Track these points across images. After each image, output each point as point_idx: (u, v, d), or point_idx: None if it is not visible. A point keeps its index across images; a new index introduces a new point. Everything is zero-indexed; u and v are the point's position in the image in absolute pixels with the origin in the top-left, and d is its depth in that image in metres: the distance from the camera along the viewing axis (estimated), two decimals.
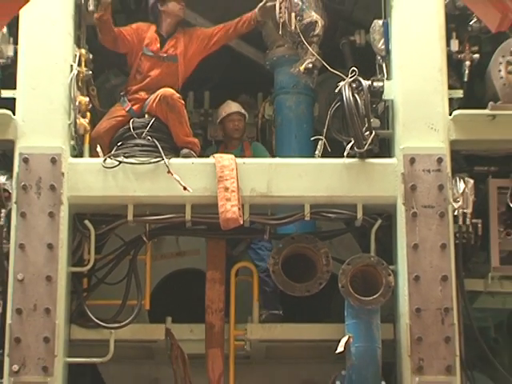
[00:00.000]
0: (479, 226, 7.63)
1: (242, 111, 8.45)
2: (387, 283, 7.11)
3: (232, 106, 8.46)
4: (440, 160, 7.52)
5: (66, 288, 7.48)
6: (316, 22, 8.09)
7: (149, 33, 8.29)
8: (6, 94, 7.72)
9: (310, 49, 8.05)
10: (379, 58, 8.04)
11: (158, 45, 8.24)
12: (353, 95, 7.62)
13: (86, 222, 7.69)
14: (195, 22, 8.67)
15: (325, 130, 7.85)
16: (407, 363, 7.28)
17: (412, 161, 7.54)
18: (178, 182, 7.45)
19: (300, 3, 8.08)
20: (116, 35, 8.12)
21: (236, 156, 7.92)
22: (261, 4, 8.14)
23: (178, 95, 8.03)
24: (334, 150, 7.82)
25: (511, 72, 7.70)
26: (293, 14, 8.00)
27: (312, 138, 8.06)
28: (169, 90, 7.99)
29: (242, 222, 7.48)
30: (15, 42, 7.80)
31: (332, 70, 7.97)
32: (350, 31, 8.56)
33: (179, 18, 8.35)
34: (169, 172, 7.50)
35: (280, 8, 7.97)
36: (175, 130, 7.97)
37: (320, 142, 7.88)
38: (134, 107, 8.10)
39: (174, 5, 8.26)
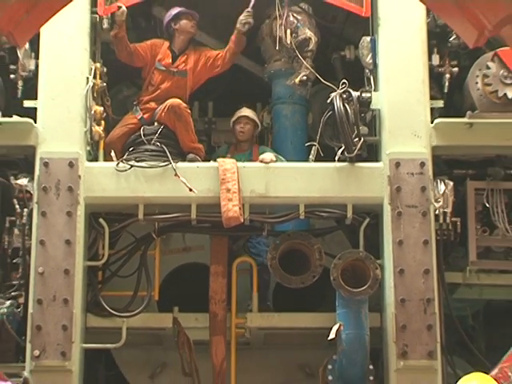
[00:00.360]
0: (458, 223, 7.66)
1: (251, 116, 8.29)
2: (375, 276, 7.11)
3: (242, 111, 8.33)
4: (422, 164, 7.54)
5: (83, 280, 7.51)
6: (310, 38, 8.09)
7: (162, 48, 8.25)
8: (28, 103, 7.74)
9: (305, 63, 8.06)
10: (367, 71, 8.02)
11: (170, 60, 8.20)
12: (343, 105, 7.63)
13: (101, 220, 7.70)
14: (199, 38, 8.65)
15: (318, 137, 7.86)
16: (393, 349, 7.30)
17: (397, 165, 7.55)
18: (184, 184, 7.44)
19: (295, 21, 8.07)
20: (131, 51, 8.09)
21: (245, 159, 7.97)
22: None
23: (184, 105, 8.02)
24: (326, 155, 7.84)
25: (487, 84, 7.74)
26: (288, 31, 8.01)
27: (306, 144, 8.05)
28: (176, 101, 7.97)
29: (242, 221, 7.49)
30: (36, 57, 7.83)
31: (324, 82, 8.00)
32: (341, 47, 8.53)
33: (191, 35, 8.31)
34: (176, 175, 7.50)
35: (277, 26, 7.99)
36: (182, 136, 7.97)
37: (313, 148, 7.89)
38: (145, 116, 8.08)
39: (186, 23, 8.22)
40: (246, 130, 8.23)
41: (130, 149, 7.89)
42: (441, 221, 7.56)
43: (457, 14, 6.53)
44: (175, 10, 8.24)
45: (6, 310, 7.38)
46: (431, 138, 7.66)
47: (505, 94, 7.67)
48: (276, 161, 7.85)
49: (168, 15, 8.26)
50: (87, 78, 7.81)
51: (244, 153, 8.23)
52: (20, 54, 7.73)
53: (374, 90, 7.86)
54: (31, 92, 7.81)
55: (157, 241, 7.96)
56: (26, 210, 7.53)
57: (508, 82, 7.68)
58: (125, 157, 7.76)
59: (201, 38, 8.66)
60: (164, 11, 8.63)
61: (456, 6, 6.46)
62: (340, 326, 7.25)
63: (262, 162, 7.72)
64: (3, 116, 7.65)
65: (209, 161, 8.00)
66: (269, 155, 7.82)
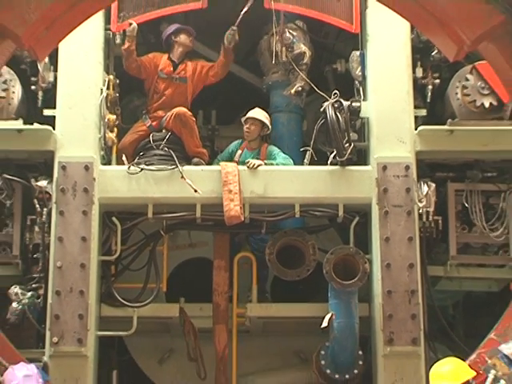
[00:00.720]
0: (440, 222, 7.68)
1: (257, 117, 8.08)
2: (364, 270, 7.11)
3: (251, 112, 8.15)
4: (407, 167, 7.56)
5: (97, 273, 7.52)
6: (304, 52, 8.10)
7: (162, 59, 8.25)
8: (48, 112, 7.76)
9: (301, 74, 8.06)
10: (357, 82, 8.03)
11: (171, 68, 8.20)
12: (335, 113, 7.63)
13: (114, 218, 7.72)
14: (196, 48, 8.65)
15: (312, 142, 7.87)
16: (380, 336, 7.33)
17: (384, 168, 7.57)
18: (189, 186, 7.46)
19: (291, 37, 8.07)
20: (139, 64, 8.11)
21: (253, 157, 7.92)
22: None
23: (189, 113, 8.02)
24: (320, 159, 7.85)
25: (466, 94, 7.79)
26: (284, 47, 8.01)
27: (301, 149, 8.03)
28: (182, 109, 7.98)
29: (243, 219, 7.51)
30: (55, 70, 7.85)
31: (318, 92, 7.97)
32: (333, 60, 8.54)
33: (189, 48, 8.32)
34: (182, 177, 7.51)
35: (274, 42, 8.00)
36: (187, 142, 7.97)
37: (308, 153, 7.90)
38: (153, 123, 8.07)
39: (185, 37, 8.25)
40: (251, 131, 8.11)
41: (140, 153, 7.91)
42: (424, 219, 7.56)
43: (438, 30, 6.57)
44: (176, 26, 8.26)
45: (27, 301, 7.41)
46: (415, 143, 7.68)
47: (482, 104, 7.73)
48: (268, 164, 7.83)
49: (169, 29, 8.28)
50: (101, 89, 7.83)
51: (253, 151, 8.13)
52: (40, 67, 7.74)
53: (363, 100, 7.89)
54: (50, 102, 7.83)
55: (165, 237, 7.97)
56: (45, 209, 7.55)
57: (485, 92, 7.73)
58: (135, 161, 7.77)
59: (196, 48, 8.66)
60: (181, 27, 8.56)
61: (437, 23, 6.50)
62: (332, 315, 7.25)
63: (248, 167, 7.69)
64: (25, 123, 7.64)
65: (212, 164, 8.00)
66: (257, 161, 7.76)
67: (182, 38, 8.26)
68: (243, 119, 8.18)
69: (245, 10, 7.78)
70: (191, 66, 8.26)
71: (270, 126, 8.11)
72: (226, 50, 8.15)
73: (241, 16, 7.79)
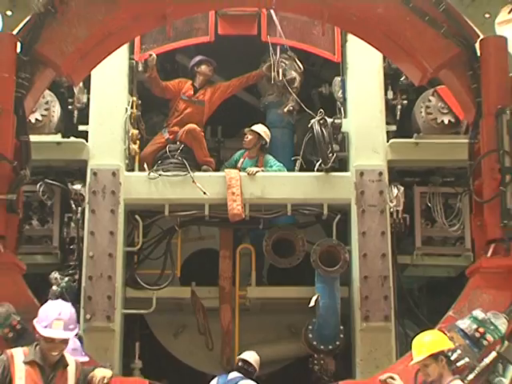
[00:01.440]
0: (407, 219, 7.70)
1: (254, 129, 8.07)
2: (344, 259, 7.15)
3: (253, 126, 8.14)
4: (380, 173, 7.60)
5: (123, 262, 7.56)
6: (295, 78, 8.15)
7: (186, 84, 8.24)
8: (82, 128, 7.80)
9: (293, 96, 8.11)
10: (338, 103, 8.02)
11: (192, 92, 8.20)
12: (320, 129, 7.68)
13: (136, 216, 7.75)
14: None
15: (301, 153, 7.93)
16: (358, 314, 7.37)
17: (361, 174, 7.61)
18: (199, 189, 7.51)
19: (284, 65, 8.12)
20: (163, 87, 8.11)
21: (252, 165, 7.94)
22: (264, 66, 8.14)
23: (199, 129, 8.02)
24: (308, 167, 7.90)
25: (429, 113, 7.85)
26: (280, 72, 8.05)
27: (292, 158, 8.07)
28: (193, 126, 7.97)
29: (243, 217, 7.55)
30: (88, 92, 7.88)
31: (307, 110, 8.02)
32: (319, 84, 8.53)
33: (209, 77, 8.31)
34: (193, 181, 7.56)
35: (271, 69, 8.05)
36: (197, 152, 7.98)
37: (298, 161, 7.96)
38: (170, 137, 8.06)
39: (206, 67, 8.24)
40: (248, 140, 8.11)
41: (159, 162, 7.91)
42: (394, 217, 7.58)
43: (406, 60, 6.67)
44: (198, 58, 8.26)
45: (64, 284, 7.44)
46: (387, 153, 7.71)
47: (442, 121, 7.80)
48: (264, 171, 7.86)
49: (193, 60, 8.29)
50: (126, 108, 7.87)
51: (252, 159, 8.11)
52: (76, 90, 7.78)
53: (344, 118, 7.91)
54: (84, 119, 7.85)
55: (179, 232, 7.98)
56: (79, 208, 7.57)
57: (444, 111, 7.79)
58: (154, 168, 7.78)
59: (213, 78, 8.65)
60: (185, 58, 8.67)
61: (405, 54, 6.59)
62: (318, 296, 7.31)
63: (248, 173, 7.69)
64: (63, 137, 7.70)
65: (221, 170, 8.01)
66: (255, 168, 7.78)
67: (203, 68, 8.26)
68: (244, 132, 8.22)
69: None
70: (210, 91, 8.25)
71: (266, 139, 8.08)
72: (257, 76, 8.28)
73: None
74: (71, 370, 4.56)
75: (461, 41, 6.34)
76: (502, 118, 6.03)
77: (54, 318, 4.40)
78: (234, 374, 6.56)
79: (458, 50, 6.32)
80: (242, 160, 8.11)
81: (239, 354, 6.77)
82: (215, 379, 6.64)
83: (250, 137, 8.12)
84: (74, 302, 7.35)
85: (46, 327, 4.37)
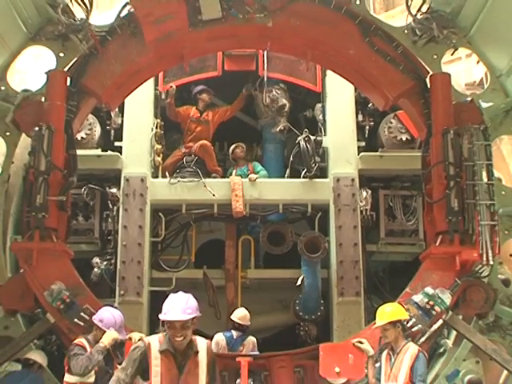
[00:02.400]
0: (373, 215, 7.70)
1: (241, 145, 8.22)
2: (324, 247, 7.15)
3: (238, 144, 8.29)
4: (352, 180, 7.62)
5: (149, 249, 7.57)
6: (285, 104, 8.15)
7: (192, 109, 8.19)
8: (117, 143, 7.83)
9: (283, 119, 8.11)
10: (320, 124, 8.01)
11: (198, 114, 8.15)
12: (305, 144, 7.72)
13: (160, 213, 7.73)
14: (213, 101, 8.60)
15: (290, 163, 7.90)
16: (335, 290, 7.39)
17: (338, 180, 7.63)
18: (210, 192, 7.55)
19: (276, 94, 8.08)
20: (176, 112, 8.12)
21: (242, 172, 7.90)
22: (244, 89, 8.17)
23: (209, 144, 8.04)
24: (295, 175, 7.87)
25: (390, 132, 7.85)
26: (271, 101, 8.08)
27: (283, 168, 8.05)
28: (205, 142, 8.00)
29: (244, 214, 7.58)
30: (122, 116, 7.89)
31: (294, 130, 8.03)
32: (304, 109, 8.46)
33: (208, 102, 8.26)
34: (204, 186, 7.60)
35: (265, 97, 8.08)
36: (208, 163, 7.99)
37: (287, 170, 7.93)
38: (186, 151, 8.05)
39: (205, 95, 8.21)
40: (239, 152, 8.22)
41: (177, 170, 7.92)
42: (363, 214, 7.59)
43: (372, 90, 6.72)
44: (200, 87, 8.24)
45: (103, 267, 7.50)
46: (358, 164, 7.72)
47: (401, 138, 7.79)
48: (263, 176, 7.87)
49: (195, 89, 8.25)
50: (152, 128, 7.89)
51: (242, 168, 8.11)
52: (112, 114, 7.80)
53: (324, 135, 7.92)
54: (119, 137, 7.88)
55: (193, 226, 7.96)
56: (115, 207, 7.59)
57: (403, 131, 7.76)
58: (174, 175, 7.80)
59: (214, 100, 8.63)
60: (204, 88, 8.49)
61: (371, 85, 6.62)
62: (303, 277, 7.36)
63: (249, 179, 7.72)
64: (102, 151, 7.72)
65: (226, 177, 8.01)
66: (253, 176, 7.78)
67: (204, 95, 8.25)
68: (232, 148, 8.27)
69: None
70: (211, 113, 8.25)
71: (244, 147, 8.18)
72: (241, 99, 8.26)
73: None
74: (202, 355, 4.00)
75: (415, 76, 6.40)
76: (447, 137, 6.10)
77: (172, 305, 3.98)
78: (235, 333, 6.54)
79: (413, 83, 6.38)
80: (234, 171, 8.07)
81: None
82: (219, 334, 6.53)
83: (238, 150, 8.23)
84: (111, 281, 7.50)
85: (165, 313, 3.96)
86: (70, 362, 5.04)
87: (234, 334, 6.56)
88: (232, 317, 6.66)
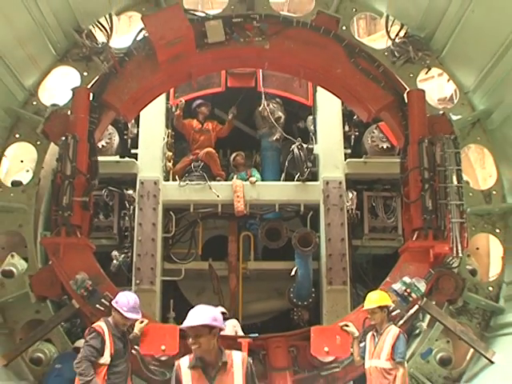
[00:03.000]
0: (358, 214, 7.69)
1: (241, 153, 8.23)
2: (315, 242, 7.08)
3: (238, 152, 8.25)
4: (340, 183, 7.57)
5: (161, 244, 7.53)
6: (281, 116, 8.15)
7: (194, 121, 8.13)
8: (133, 151, 7.81)
9: (279, 129, 8.13)
10: (311, 134, 8.00)
11: (200, 125, 8.14)
12: (299, 151, 7.71)
13: (170, 212, 7.70)
14: (217, 113, 8.58)
15: (285, 168, 7.91)
16: (324, 280, 7.37)
17: (327, 183, 7.59)
18: (214, 193, 7.56)
19: (273, 108, 8.09)
20: (182, 124, 8.11)
21: (241, 177, 7.86)
22: (229, 116, 8.13)
23: (214, 151, 8.04)
24: (290, 178, 7.87)
25: (373, 141, 7.82)
26: (269, 114, 8.08)
27: (279, 172, 8.04)
28: (210, 149, 8.00)
29: (245, 212, 7.56)
30: (138, 126, 7.88)
31: (287, 137, 8.02)
32: (297, 121, 8.42)
33: (206, 114, 8.22)
34: (210, 188, 7.59)
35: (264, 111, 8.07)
36: (213, 168, 7.96)
37: (283, 174, 7.94)
38: (193, 157, 8.03)
39: (204, 108, 8.19)
40: (239, 159, 8.22)
41: (186, 174, 7.89)
42: (350, 213, 7.57)
43: (356, 104, 6.72)
44: (198, 102, 8.13)
45: (121, 259, 7.46)
46: (344, 169, 7.67)
47: (382, 146, 7.76)
48: (257, 180, 7.82)
49: (194, 103, 8.18)
50: (163, 138, 7.89)
51: (241, 173, 8.09)
52: (129, 125, 7.80)
53: (315, 144, 7.91)
54: (135, 144, 7.87)
55: (200, 223, 7.93)
56: (131, 207, 7.58)
57: (384, 140, 7.73)
58: (183, 179, 7.78)
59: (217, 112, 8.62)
60: (202, 102, 8.49)
61: (356, 100, 6.59)
62: (297, 268, 7.34)
63: (250, 182, 7.73)
64: (120, 157, 7.69)
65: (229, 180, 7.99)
66: (253, 179, 7.78)
67: (202, 108, 8.22)
68: (233, 156, 8.22)
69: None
70: (211, 124, 8.23)
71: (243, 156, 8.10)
72: (230, 121, 8.22)
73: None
74: (237, 366, 3.57)
75: (394, 92, 6.43)
76: (422, 145, 6.14)
77: (190, 314, 3.61)
78: None
79: (392, 98, 6.41)
80: (235, 176, 8.06)
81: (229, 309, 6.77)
82: None
83: (237, 158, 8.24)
84: (128, 271, 7.46)
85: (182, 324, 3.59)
86: (83, 346, 4.96)
87: None
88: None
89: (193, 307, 3.61)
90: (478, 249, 7.22)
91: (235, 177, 8.06)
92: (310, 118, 8.10)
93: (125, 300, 5.15)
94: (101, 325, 5.08)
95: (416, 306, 5.89)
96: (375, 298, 5.20)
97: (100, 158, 6.41)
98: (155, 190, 7.58)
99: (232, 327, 6.49)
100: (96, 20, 6.94)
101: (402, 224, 7.24)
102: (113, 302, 5.22)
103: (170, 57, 6.25)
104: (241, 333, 6.44)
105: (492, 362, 5.84)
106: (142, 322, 5.42)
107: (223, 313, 6.57)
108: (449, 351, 6.44)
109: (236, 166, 8.29)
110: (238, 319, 6.64)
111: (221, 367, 3.52)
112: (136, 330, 5.37)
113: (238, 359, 3.58)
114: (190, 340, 3.53)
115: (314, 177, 7.86)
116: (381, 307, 5.11)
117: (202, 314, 3.55)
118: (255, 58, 6.66)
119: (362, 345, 5.30)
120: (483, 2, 5.77)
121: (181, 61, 6.33)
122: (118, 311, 5.10)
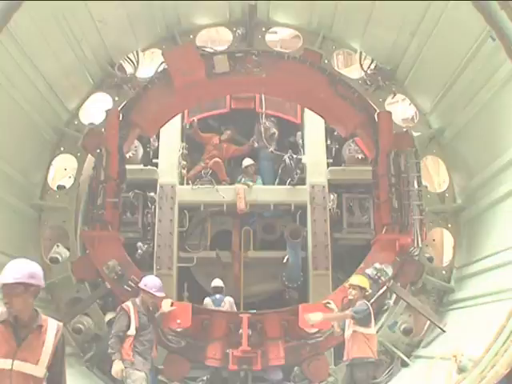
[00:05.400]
0: (339, 212, 7.66)
1: (254, 163, 8.01)
2: (303, 235, 7.07)
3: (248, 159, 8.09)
4: (324, 187, 7.57)
5: (177, 237, 7.48)
6: (275, 132, 8.15)
7: (214, 137, 8.03)
8: (155, 161, 7.79)
9: (273, 143, 8.15)
10: (300, 146, 7.96)
11: (217, 142, 7.99)
12: (290, 161, 7.71)
13: (185, 210, 7.66)
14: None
15: (278, 175, 7.90)
16: (311, 266, 7.34)
17: (313, 187, 7.58)
18: (221, 195, 7.58)
19: (269, 126, 8.08)
20: (201, 137, 8.07)
21: (246, 181, 7.77)
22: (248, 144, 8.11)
23: (220, 161, 8.02)
24: (282, 182, 7.85)
25: (351, 152, 7.63)
26: (265, 130, 8.12)
27: (274, 178, 8.07)
28: (217, 159, 7.99)
29: (246, 211, 7.59)
30: (158, 140, 7.81)
31: (280, 152, 8.02)
32: (288, 136, 8.29)
33: (229, 137, 8.07)
34: (217, 191, 7.59)
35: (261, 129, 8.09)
36: (220, 174, 7.93)
37: (277, 179, 7.97)
38: (204, 165, 8.01)
39: (229, 132, 8.09)
40: (250, 167, 8.11)
41: (197, 180, 7.85)
42: (331, 211, 7.55)
43: (336, 122, 6.79)
44: (229, 131, 8.11)
45: (145, 249, 7.34)
46: (327, 175, 7.68)
47: (358, 157, 7.63)
48: (256, 184, 7.84)
49: (225, 134, 8.12)
50: (179, 150, 7.88)
51: (248, 178, 8.04)
52: (151, 139, 7.76)
53: (303, 155, 7.87)
54: (156, 156, 7.84)
55: (209, 219, 7.85)
56: (153, 206, 7.54)
57: (359, 152, 7.64)
58: (195, 183, 7.77)
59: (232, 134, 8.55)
60: (214, 121, 8.37)
61: (335, 118, 6.64)
62: (288, 256, 7.36)
63: (247, 186, 7.70)
64: (144, 166, 7.68)
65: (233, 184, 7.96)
66: (251, 183, 7.70)
67: (228, 132, 8.18)
68: (244, 164, 8.20)
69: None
70: (226, 145, 8.24)
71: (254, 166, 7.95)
72: (247, 146, 8.07)
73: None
74: (50, 335, 2.84)
75: (367, 113, 6.51)
76: (389, 156, 6.26)
77: (7, 267, 2.85)
78: (217, 296, 6.71)
79: (365, 117, 6.49)
80: (243, 179, 8.05)
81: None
82: (207, 299, 6.70)
83: (252, 167, 8.18)
84: (150, 258, 7.39)
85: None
86: (114, 323, 5.09)
87: (217, 296, 6.76)
88: (216, 284, 6.80)
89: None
90: (434, 240, 7.29)
91: (243, 180, 8.05)
92: (299, 133, 8.13)
93: (152, 283, 5.29)
94: (128, 304, 5.20)
95: (385, 287, 6.03)
96: (360, 279, 5.35)
97: (127, 167, 6.47)
98: (172, 192, 7.57)
99: (229, 303, 6.60)
100: (125, 55, 7.08)
101: (373, 220, 7.20)
102: (141, 285, 5.29)
103: (184, 84, 6.33)
104: (234, 309, 6.51)
105: (444, 331, 5.97)
106: (168, 303, 5.49)
107: (220, 287, 6.70)
108: (410, 323, 6.52)
109: (246, 173, 8.25)
110: (240, 298, 6.68)
111: (34, 330, 2.79)
112: (165, 309, 5.45)
113: (53, 326, 2.85)
114: (4, 298, 2.74)
115: (302, 182, 7.82)
116: (361, 287, 5.24)
117: (17, 270, 2.74)
118: (254, 85, 6.74)
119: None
120: (437, 42, 5.92)
121: (193, 87, 6.39)
122: (148, 292, 5.22)
